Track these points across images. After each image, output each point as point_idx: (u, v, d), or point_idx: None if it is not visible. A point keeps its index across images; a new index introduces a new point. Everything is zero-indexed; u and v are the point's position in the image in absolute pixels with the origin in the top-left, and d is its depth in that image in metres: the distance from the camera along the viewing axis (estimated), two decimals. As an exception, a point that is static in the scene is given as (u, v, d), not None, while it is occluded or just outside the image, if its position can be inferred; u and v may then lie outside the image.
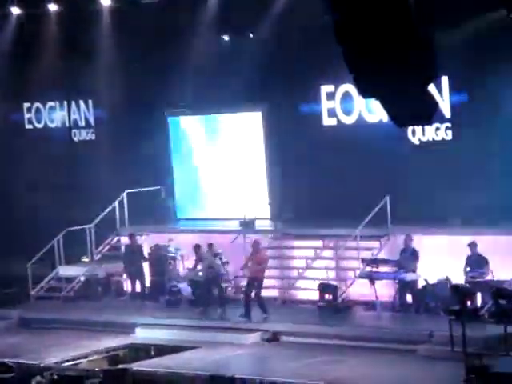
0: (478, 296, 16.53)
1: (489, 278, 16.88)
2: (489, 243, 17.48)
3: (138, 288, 20.81)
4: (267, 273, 19.69)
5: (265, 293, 18.91)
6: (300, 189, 20.50)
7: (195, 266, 19.65)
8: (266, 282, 19.43)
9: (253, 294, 18.20)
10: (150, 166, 22.37)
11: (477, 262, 17.21)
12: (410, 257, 18.06)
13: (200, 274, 19.77)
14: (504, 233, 17.76)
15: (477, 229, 17.96)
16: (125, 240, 21.98)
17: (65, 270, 21.82)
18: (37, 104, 24.65)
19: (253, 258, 18.37)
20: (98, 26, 22.47)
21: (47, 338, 18.50)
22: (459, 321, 14.74)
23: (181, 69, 21.30)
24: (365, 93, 7.75)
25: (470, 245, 17.34)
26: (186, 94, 21.57)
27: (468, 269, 17.27)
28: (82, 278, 21.36)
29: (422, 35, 7.31)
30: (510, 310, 14.60)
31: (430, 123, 17.38)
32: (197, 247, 19.50)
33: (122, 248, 22.07)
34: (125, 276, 21.38)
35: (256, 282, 18.22)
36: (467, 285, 16.62)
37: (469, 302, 15.30)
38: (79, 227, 21.92)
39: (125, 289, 21.44)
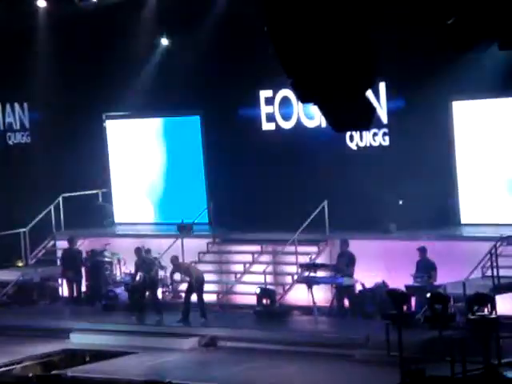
0: (414, 301, 16.67)
1: (436, 282, 17.01)
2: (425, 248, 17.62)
3: (76, 292, 20.56)
4: (205, 277, 19.62)
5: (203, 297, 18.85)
6: (238, 193, 20.48)
7: (136, 271, 19.39)
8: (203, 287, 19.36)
9: (195, 298, 18.14)
10: (87, 169, 22.14)
11: (425, 266, 17.35)
12: (346, 261, 18.15)
13: (137, 278, 19.61)
14: (440, 238, 17.96)
15: (412, 234, 18.13)
16: (61, 244, 21.73)
17: (-1, 275, 21.48)
18: (-29, 107, 24.24)
19: (181, 271, 18.39)
20: (34, 26, 22.17)
21: (-20, 343, 18.18)
22: (395, 325, 14.85)
23: (118, 71, 21.13)
24: (303, 98, 7.76)
25: (419, 249, 17.46)
26: (123, 97, 21.41)
27: (417, 274, 17.39)
28: (17, 283, 21.04)
29: (360, 41, 7.33)
30: (445, 315, 14.75)
31: (367, 129, 17.58)
32: (138, 250, 19.30)
33: (59, 252, 21.81)
34: (60, 281, 21.11)
35: (197, 284, 18.17)
36: (404, 289, 16.74)
37: (405, 307, 15.41)
38: (14, 231, 21.59)
39: (60, 293, 21.17)
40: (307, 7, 6.93)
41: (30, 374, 15.84)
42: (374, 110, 8.06)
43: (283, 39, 7.11)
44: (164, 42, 21.45)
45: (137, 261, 19.23)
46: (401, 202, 18.37)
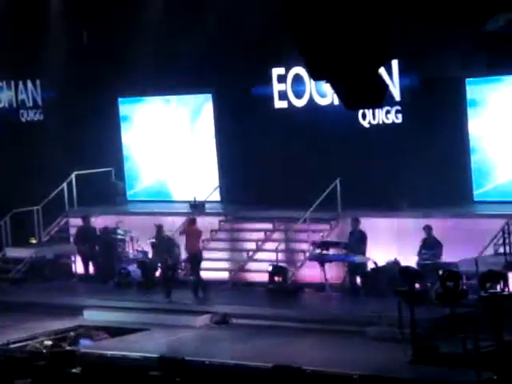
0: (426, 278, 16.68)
1: (443, 260, 17.04)
2: (436, 226, 17.63)
3: (91, 270, 20.61)
4: (217, 255, 19.71)
5: (215, 275, 18.92)
6: (250, 171, 20.48)
7: (154, 249, 19.38)
8: (216, 265, 19.45)
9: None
10: (100, 147, 22.18)
11: (431, 244, 17.37)
12: (358, 239, 18.17)
13: (150, 256, 19.70)
14: (451, 215, 17.94)
15: (425, 212, 18.12)
16: (74, 221, 21.82)
17: (12, 252, 21.58)
18: (-17, 84, 24.29)
19: (188, 232, 18.37)
20: (47, 3, 22.15)
21: (-6, 320, 18.30)
22: (407, 303, 14.87)
23: (131, 50, 21.11)
24: (315, 75, 7.75)
25: (424, 228, 17.49)
26: (136, 75, 21.37)
27: (423, 251, 17.42)
28: (30, 260, 21.14)
29: (372, 18, 7.30)
30: (457, 292, 14.75)
31: (380, 106, 17.53)
32: (159, 228, 19.26)
33: (71, 230, 21.90)
34: (73, 258, 21.20)
35: (196, 258, 18.16)
36: (415, 267, 16.76)
37: (417, 284, 15.43)
38: (27, 208, 21.68)
39: (73, 271, 21.27)
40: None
41: (44, 350, 15.95)
42: (386, 87, 8.05)
43: (297, 17, 7.09)
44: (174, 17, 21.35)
45: (156, 239, 19.06)
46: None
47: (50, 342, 16.57)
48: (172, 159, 22.26)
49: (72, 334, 17.15)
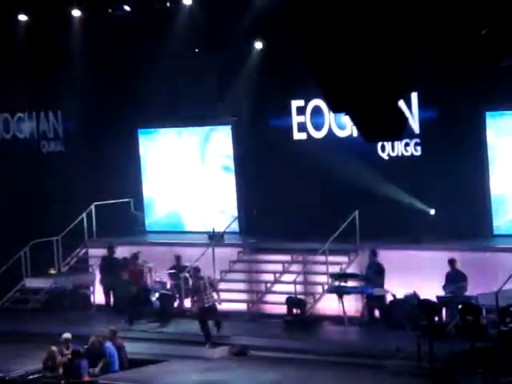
0: (445, 312, 16.58)
1: (467, 293, 16.92)
2: (457, 259, 17.54)
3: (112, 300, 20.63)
4: (235, 286, 19.69)
5: (233, 306, 18.88)
6: (269, 202, 20.49)
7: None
8: (234, 296, 19.43)
9: None
10: (119, 178, 22.27)
11: (455, 277, 17.27)
12: (376, 272, 18.10)
13: (168, 286, 19.70)
14: (472, 249, 17.86)
15: (443, 245, 18.04)
16: (93, 252, 21.87)
17: (31, 282, 21.62)
18: (5, 114, 24.46)
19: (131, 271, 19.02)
20: (68, 36, 22.36)
21: (12, 350, 18.31)
22: (426, 336, 14.78)
23: (151, 81, 21.24)
24: (335, 107, 7.76)
25: (449, 261, 17.39)
26: (155, 107, 21.50)
27: (447, 284, 17.30)
28: (49, 290, 21.17)
29: (393, 51, 7.33)
30: (476, 326, 14.66)
31: (399, 138, 17.51)
32: (178, 257, 19.32)
33: (91, 260, 21.93)
34: (92, 288, 21.23)
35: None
36: (435, 300, 16.67)
37: (436, 318, 15.33)
38: (46, 239, 21.75)
39: (92, 301, 21.28)
40: (341, 17, 6.94)
41: (62, 382, 15.94)
42: (406, 119, 8.04)
43: (316, 49, 7.11)
44: (197, 51, 21.49)
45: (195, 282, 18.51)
46: (433, 212, 18.29)
47: (68, 373, 16.46)
48: (191, 189, 22.30)
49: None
